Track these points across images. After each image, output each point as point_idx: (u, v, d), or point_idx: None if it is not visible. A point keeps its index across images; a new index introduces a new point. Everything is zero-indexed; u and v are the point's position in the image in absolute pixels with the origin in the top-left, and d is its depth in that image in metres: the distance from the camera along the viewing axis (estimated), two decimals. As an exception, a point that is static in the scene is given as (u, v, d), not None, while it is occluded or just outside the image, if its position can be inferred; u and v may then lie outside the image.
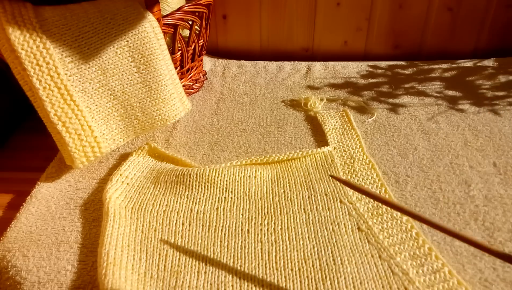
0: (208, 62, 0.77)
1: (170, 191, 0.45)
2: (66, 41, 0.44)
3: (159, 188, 0.45)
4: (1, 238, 0.41)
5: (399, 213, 0.40)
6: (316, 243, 0.38)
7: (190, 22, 0.59)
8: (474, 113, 0.58)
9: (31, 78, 0.42)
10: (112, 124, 0.50)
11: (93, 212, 0.44)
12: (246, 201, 0.43)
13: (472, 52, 0.78)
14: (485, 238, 0.39)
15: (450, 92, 0.64)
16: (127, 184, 0.46)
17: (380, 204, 0.42)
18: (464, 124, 0.56)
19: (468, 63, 0.73)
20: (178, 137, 0.56)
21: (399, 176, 0.47)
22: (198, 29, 0.63)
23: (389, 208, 0.41)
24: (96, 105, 0.47)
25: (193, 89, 0.67)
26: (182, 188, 0.44)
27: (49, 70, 0.43)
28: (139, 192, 0.45)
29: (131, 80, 0.49)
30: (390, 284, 0.34)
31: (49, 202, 0.45)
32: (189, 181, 0.45)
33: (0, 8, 0.41)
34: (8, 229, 0.42)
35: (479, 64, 0.73)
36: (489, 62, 0.73)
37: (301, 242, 0.38)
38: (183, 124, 0.59)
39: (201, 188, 0.44)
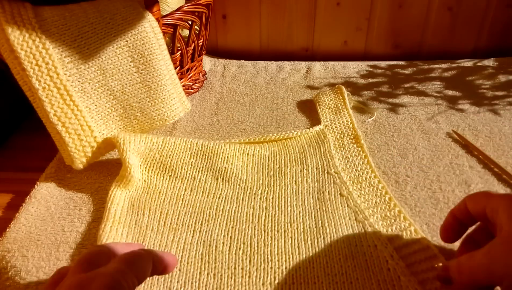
0: (207, 62, 0.77)
1: (177, 159, 0.48)
2: (66, 41, 0.44)
3: (166, 160, 0.48)
4: (1, 239, 0.41)
5: (376, 181, 0.45)
6: (302, 209, 0.42)
7: (190, 22, 0.59)
8: (474, 113, 0.58)
9: (31, 78, 0.42)
10: (112, 124, 0.49)
11: (92, 212, 0.44)
12: (243, 173, 0.47)
13: (472, 52, 0.78)
14: (485, 238, 0.39)
15: (450, 92, 0.64)
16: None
17: (360, 173, 0.46)
18: (464, 124, 0.56)
19: (468, 63, 0.73)
20: (178, 137, 0.56)
21: (399, 176, 0.47)
22: (198, 29, 0.63)
23: (367, 177, 0.46)
24: (96, 105, 0.47)
25: (192, 89, 0.67)
26: (188, 154, 0.48)
27: (49, 70, 0.43)
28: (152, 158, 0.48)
29: (130, 80, 0.49)
30: (362, 242, 0.38)
31: (49, 203, 0.45)
32: (195, 149, 0.49)
33: (-1, 8, 0.41)
34: (7, 230, 0.42)
35: (479, 64, 0.73)
36: (489, 62, 0.73)
37: (289, 208, 0.42)
38: (182, 124, 0.59)
39: (205, 158, 0.48)
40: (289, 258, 0.37)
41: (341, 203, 0.42)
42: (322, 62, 0.76)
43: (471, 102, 0.61)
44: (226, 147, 0.49)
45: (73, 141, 0.46)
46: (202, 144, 0.49)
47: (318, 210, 0.42)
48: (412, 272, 0.34)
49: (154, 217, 0.41)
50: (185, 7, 0.57)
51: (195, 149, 0.49)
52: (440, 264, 0.34)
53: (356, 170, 0.47)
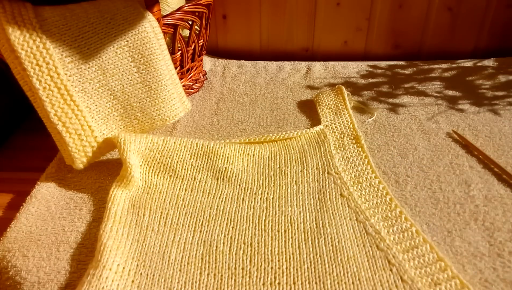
0: (208, 62, 0.77)
1: (177, 159, 0.48)
2: (66, 41, 0.44)
3: (167, 160, 0.48)
4: (1, 238, 0.41)
5: (376, 181, 0.45)
6: (302, 209, 0.42)
7: (190, 22, 0.59)
8: (474, 113, 0.58)
9: (31, 78, 0.42)
10: (112, 124, 0.50)
11: (93, 212, 0.44)
12: (244, 173, 0.47)
13: (472, 52, 0.78)
14: (485, 238, 0.39)
15: (450, 92, 0.64)
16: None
17: (361, 174, 0.46)
18: (464, 124, 0.56)
19: (468, 63, 0.73)
20: (178, 137, 0.56)
21: (399, 176, 0.47)
22: (198, 29, 0.63)
23: (368, 177, 0.46)
24: (96, 105, 0.47)
25: (193, 89, 0.67)
26: (188, 154, 0.48)
27: (49, 70, 0.43)
28: (152, 158, 0.48)
29: (131, 80, 0.49)
30: (364, 242, 0.38)
31: (49, 202, 0.45)
32: (195, 149, 0.49)
33: (0, 8, 0.41)
34: (8, 229, 0.42)
35: (479, 64, 0.73)
36: (489, 62, 0.73)
37: (289, 208, 0.42)
38: (183, 124, 0.59)
39: (205, 158, 0.48)
40: (289, 258, 0.37)
41: (341, 203, 0.42)
42: (322, 62, 0.76)
43: (471, 102, 0.61)
44: (226, 147, 0.49)
45: (73, 141, 0.46)
46: (202, 144, 0.49)
47: (319, 210, 0.42)
48: None
49: (155, 217, 0.41)
50: (185, 7, 0.57)
51: (196, 149, 0.49)
52: None
53: (356, 171, 0.47)
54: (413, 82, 0.68)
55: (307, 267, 0.36)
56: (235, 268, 0.36)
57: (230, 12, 0.78)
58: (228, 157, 0.48)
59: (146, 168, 0.47)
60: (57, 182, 0.48)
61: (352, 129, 0.54)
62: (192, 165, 0.47)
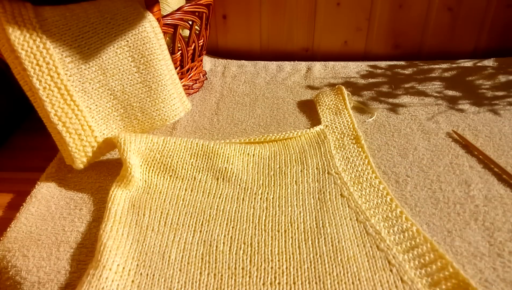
0: (208, 62, 0.77)
1: (177, 159, 0.48)
2: (66, 41, 0.44)
3: (167, 160, 0.48)
4: (1, 238, 0.41)
5: (377, 181, 0.45)
6: (302, 209, 0.42)
7: (190, 22, 0.59)
8: (474, 113, 0.58)
9: (31, 78, 0.42)
10: (112, 124, 0.50)
11: (93, 212, 0.44)
12: (244, 173, 0.47)
13: (472, 52, 0.78)
14: (485, 238, 0.39)
15: (450, 92, 0.64)
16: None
17: (361, 174, 0.46)
18: (464, 124, 0.56)
19: (468, 63, 0.73)
20: (178, 137, 0.56)
21: (399, 176, 0.47)
22: (198, 29, 0.63)
23: (368, 177, 0.46)
24: (96, 105, 0.47)
25: (193, 89, 0.67)
26: (188, 154, 0.48)
27: (49, 70, 0.43)
28: (151, 158, 0.48)
29: (131, 80, 0.50)
30: (364, 243, 0.38)
31: (49, 202, 0.45)
32: (196, 149, 0.49)
33: (0, 8, 0.41)
34: (8, 229, 0.42)
35: (479, 64, 0.73)
36: (489, 62, 0.73)
37: (289, 208, 0.42)
38: (183, 124, 0.59)
39: (205, 158, 0.48)
40: (289, 258, 0.37)
41: (342, 203, 0.42)
42: (322, 62, 0.76)
43: (471, 102, 0.61)
44: (226, 147, 0.49)
45: (73, 141, 0.46)
46: (202, 144, 0.49)
47: (319, 210, 0.42)
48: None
49: (155, 217, 0.41)
50: (185, 7, 0.57)
51: (196, 149, 0.49)
52: None
53: (356, 171, 0.47)
54: (413, 82, 0.68)
55: (307, 267, 0.36)
56: (235, 268, 0.36)
57: (230, 12, 0.78)
58: (228, 157, 0.48)
59: (146, 168, 0.47)
60: (57, 182, 0.48)
61: (352, 129, 0.54)
62: (192, 165, 0.47)
